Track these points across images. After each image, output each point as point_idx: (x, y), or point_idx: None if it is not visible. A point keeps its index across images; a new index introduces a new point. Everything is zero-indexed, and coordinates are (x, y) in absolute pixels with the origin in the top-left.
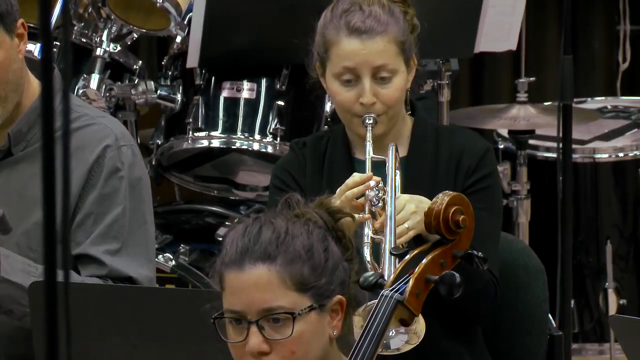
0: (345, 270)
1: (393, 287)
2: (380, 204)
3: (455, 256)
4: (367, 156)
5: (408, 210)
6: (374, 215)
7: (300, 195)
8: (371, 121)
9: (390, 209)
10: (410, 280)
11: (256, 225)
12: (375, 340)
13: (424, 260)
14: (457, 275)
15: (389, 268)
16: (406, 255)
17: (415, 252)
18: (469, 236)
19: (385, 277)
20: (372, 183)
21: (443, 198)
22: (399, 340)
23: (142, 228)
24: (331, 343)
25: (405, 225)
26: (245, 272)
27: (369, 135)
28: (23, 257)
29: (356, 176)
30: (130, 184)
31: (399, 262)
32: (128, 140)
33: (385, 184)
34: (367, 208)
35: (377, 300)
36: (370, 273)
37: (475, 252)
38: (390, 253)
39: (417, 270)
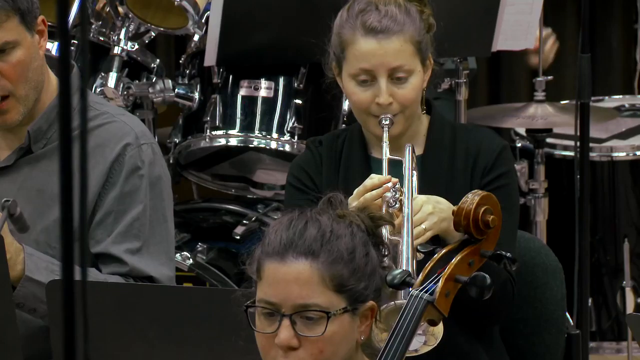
0: (382, 277)
1: (422, 286)
2: (397, 205)
3: (483, 256)
4: (384, 157)
5: (425, 211)
6: (390, 217)
7: (319, 194)
8: (387, 122)
9: (408, 211)
10: (440, 281)
11: (302, 220)
12: (405, 341)
13: (454, 260)
14: (487, 276)
15: (408, 268)
16: (434, 253)
17: (444, 251)
18: (496, 236)
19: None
20: (388, 185)
21: (473, 197)
22: (417, 341)
23: (163, 226)
24: (357, 347)
25: (423, 226)
26: (287, 265)
27: (385, 136)
28: (47, 256)
29: (374, 178)
30: (151, 183)
31: (427, 262)
32: (148, 138)
33: (402, 184)
34: (384, 209)
35: (406, 301)
36: (397, 270)
37: (504, 253)
38: (417, 251)
39: (447, 270)
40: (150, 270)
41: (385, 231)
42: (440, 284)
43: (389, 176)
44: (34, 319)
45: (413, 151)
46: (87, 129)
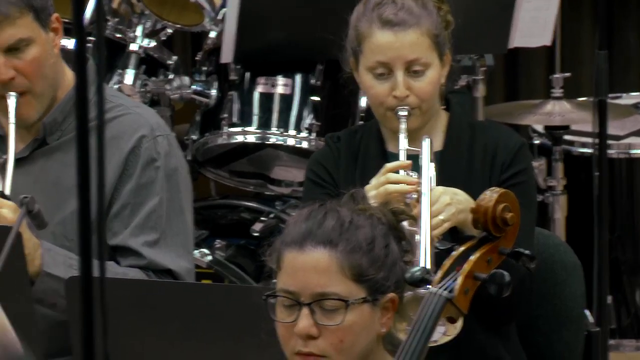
0: (403, 270)
1: (441, 284)
2: (414, 196)
3: (501, 253)
4: (401, 148)
5: (443, 202)
6: (410, 210)
7: (337, 189)
8: (405, 113)
9: (425, 202)
10: (459, 278)
11: (321, 211)
12: (424, 338)
13: (472, 257)
14: (506, 274)
15: (425, 260)
16: (452, 250)
17: (462, 248)
18: (515, 233)
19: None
20: (409, 187)
21: (492, 195)
22: (437, 331)
23: (180, 218)
24: (378, 340)
25: (440, 217)
26: (305, 254)
27: (402, 127)
28: (64, 250)
29: (389, 167)
30: (167, 174)
31: (445, 258)
32: (164, 130)
33: (419, 176)
34: (402, 200)
35: (425, 297)
36: (416, 268)
37: (522, 250)
38: (436, 248)
39: (466, 267)
40: (168, 262)
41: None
42: (459, 281)
43: (408, 161)
44: (53, 314)
45: (431, 143)
46: (104, 123)
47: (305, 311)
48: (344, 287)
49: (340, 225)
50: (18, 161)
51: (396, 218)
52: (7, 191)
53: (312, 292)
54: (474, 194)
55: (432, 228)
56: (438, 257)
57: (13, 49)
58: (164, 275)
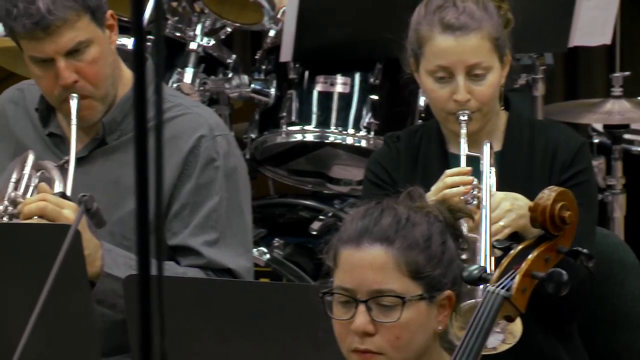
0: (460, 267)
1: (499, 282)
2: (474, 202)
3: (559, 252)
4: (462, 154)
5: (503, 208)
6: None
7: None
8: (465, 118)
9: (486, 207)
10: (517, 276)
11: (378, 208)
12: (481, 337)
13: (530, 256)
14: (564, 273)
15: (485, 265)
16: (510, 249)
17: (520, 247)
18: (572, 232)
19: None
20: (467, 187)
21: (550, 193)
22: (495, 339)
23: (240, 218)
24: (435, 338)
25: (501, 223)
26: (362, 251)
27: (463, 132)
28: (125, 251)
29: (449, 172)
30: (226, 174)
31: (503, 258)
32: (223, 129)
33: (479, 181)
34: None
35: (482, 297)
36: (474, 267)
37: (580, 249)
38: (493, 246)
39: (524, 266)
40: (228, 262)
41: (463, 228)
42: (516, 279)
43: (468, 167)
44: (111, 313)
45: (491, 148)
46: (162, 122)
47: (361, 308)
48: (401, 284)
49: (397, 222)
50: (78, 161)
51: (453, 216)
52: (69, 192)
53: (369, 289)
54: (534, 194)
55: (493, 234)
56: (498, 261)
57: (73, 52)
58: (224, 274)
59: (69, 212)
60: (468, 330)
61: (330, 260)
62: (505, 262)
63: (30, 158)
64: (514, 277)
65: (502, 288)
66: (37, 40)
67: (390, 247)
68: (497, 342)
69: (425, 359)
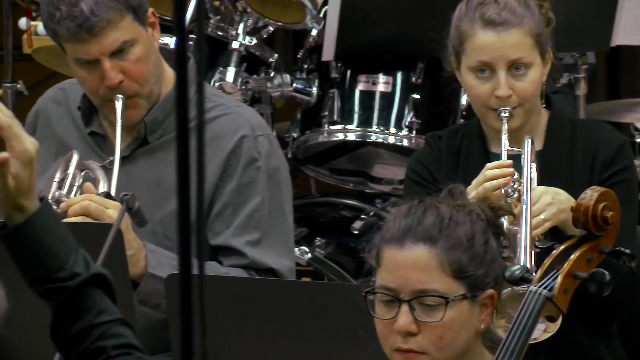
0: (502, 266)
1: (541, 283)
2: (515, 196)
3: (602, 252)
4: (503, 149)
5: (544, 202)
6: (510, 207)
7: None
8: (507, 114)
9: (527, 201)
10: (559, 277)
11: (421, 207)
12: (524, 337)
13: (573, 257)
14: (607, 273)
15: (525, 259)
16: (552, 249)
17: (562, 247)
18: (615, 232)
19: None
20: (509, 178)
21: (592, 194)
22: (537, 329)
23: (282, 218)
24: (477, 337)
25: (542, 217)
26: (405, 251)
27: (504, 129)
28: (169, 252)
29: (490, 166)
30: (268, 174)
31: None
32: (264, 130)
33: (521, 176)
34: (502, 200)
35: (525, 296)
36: (516, 267)
37: (623, 249)
38: (536, 247)
39: (566, 266)
40: (271, 262)
41: (504, 221)
42: (559, 280)
43: (509, 161)
44: (153, 312)
45: (532, 143)
46: (204, 123)
47: (405, 308)
48: (444, 284)
49: (440, 222)
50: (120, 161)
51: (495, 214)
52: (113, 192)
53: (412, 289)
54: (575, 192)
55: (533, 228)
56: (538, 256)
57: (118, 52)
58: (267, 274)
59: (113, 211)
60: (510, 330)
61: (373, 260)
62: (547, 262)
63: (75, 158)
64: (556, 278)
65: (545, 288)
66: (81, 42)
67: (434, 247)
68: (538, 332)
69: (468, 358)
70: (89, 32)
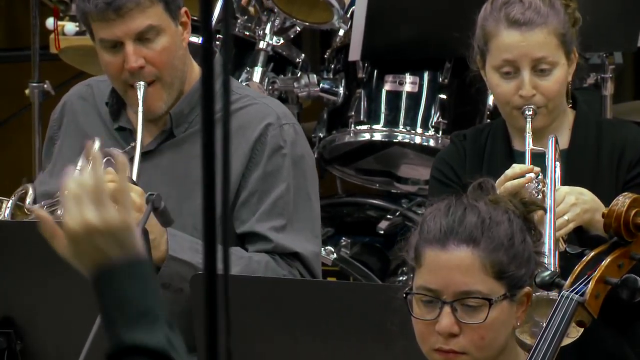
0: (536, 262)
1: (572, 288)
2: (539, 196)
3: (633, 258)
4: (527, 147)
5: (568, 202)
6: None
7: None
8: (530, 112)
9: (550, 202)
10: (591, 282)
11: (460, 206)
12: (556, 341)
13: (604, 262)
14: (638, 279)
15: (549, 260)
16: (583, 255)
17: (593, 253)
18: None
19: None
20: (531, 175)
21: (624, 200)
22: None
23: (307, 204)
24: (512, 333)
25: (565, 217)
26: (448, 252)
27: (528, 127)
28: (190, 236)
29: (516, 167)
30: (293, 161)
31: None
32: (290, 118)
33: (544, 175)
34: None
35: (556, 301)
36: (546, 272)
37: None
38: (567, 252)
39: (597, 272)
40: (295, 246)
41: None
42: (590, 285)
43: (531, 166)
44: (173, 306)
45: (556, 142)
46: (229, 114)
47: (447, 309)
48: (486, 285)
49: (482, 222)
50: (146, 154)
51: (527, 209)
52: (134, 177)
53: (455, 290)
54: (601, 192)
55: (557, 228)
56: (569, 261)
57: (144, 39)
58: (291, 258)
59: (135, 195)
60: (542, 334)
61: (411, 259)
62: (578, 267)
63: (97, 144)
64: (587, 283)
65: (576, 293)
66: (107, 21)
67: (477, 249)
68: None
69: (504, 356)
70: (116, 12)
